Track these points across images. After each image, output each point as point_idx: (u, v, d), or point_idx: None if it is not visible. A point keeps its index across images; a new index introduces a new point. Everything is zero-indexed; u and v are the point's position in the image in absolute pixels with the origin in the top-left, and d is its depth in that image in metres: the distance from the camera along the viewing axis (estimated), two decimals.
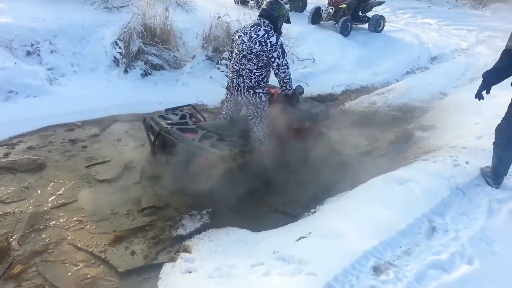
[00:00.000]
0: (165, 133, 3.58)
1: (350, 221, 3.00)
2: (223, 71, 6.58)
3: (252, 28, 3.57)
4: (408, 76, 8.17)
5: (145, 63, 6.20)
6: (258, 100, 3.70)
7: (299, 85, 4.03)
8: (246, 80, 3.63)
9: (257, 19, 3.64)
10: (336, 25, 9.61)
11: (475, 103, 5.97)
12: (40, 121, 4.62)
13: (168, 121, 3.84)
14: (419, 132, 5.11)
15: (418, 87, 7.05)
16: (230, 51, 3.84)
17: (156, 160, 3.84)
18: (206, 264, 2.69)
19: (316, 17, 9.86)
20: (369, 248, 2.64)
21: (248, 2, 9.72)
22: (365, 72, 7.97)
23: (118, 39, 6.21)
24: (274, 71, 3.64)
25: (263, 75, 3.67)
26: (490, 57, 9.45)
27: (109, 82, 5.82)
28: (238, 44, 3.64)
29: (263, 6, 3.68)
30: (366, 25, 10.43)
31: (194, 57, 6.77)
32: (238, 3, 8.80)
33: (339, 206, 3.38)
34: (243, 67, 3.61)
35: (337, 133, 5.21)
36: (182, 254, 2.81)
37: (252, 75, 3.61)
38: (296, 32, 8.21)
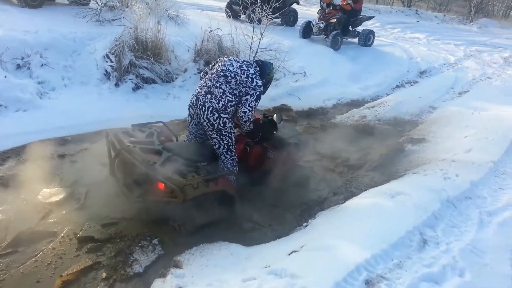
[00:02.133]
0: (125, 152, 3.21)
1: (342, 234, 2.98)
2: None
3: (245, 62, 3.49)
4: (397, 90, 8.29)
5: (137, 76, 6.19)
6: (221, 125, 3.33)
7: (278, 114, 3.94)
8: (213, 100, 3.30)
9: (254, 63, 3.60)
10: (326, 39, 9.75)
11: (463, 116, 6.12)
12: (29, 136, 4.53)
13: (132, 139, 3.45)
14: (410, 145, 5.17)
15: (408, 100, 7.15)
16: (205, 72, 3.72)
17: (111, 182, 3.50)
18: (197, 280, 2.65)
19: (307, 31, 10.01)
20: (361, 261, 2.63)
21: (240, 16, 9.82)
22: (355, 86, 8.07)
23: (110, 52, 6.20)
24: (240, 107, 3.40)
25: (233, 103, 3.37)
26: (478, 71, 9.67)
27: (100, 95, 5.79)
28: (224, 64, 3.44)
29: (257, 59, 3.55)
30: (356, 40, 10.61)
31: (185, 70, 6.79)
32: (229, 17, 8.91)
33: (331, 219, 3.37)
34: (217, 85, 3.34)
35: (328, 146, 5.24)
36: (172, 270, 2.76)
37: (224, 97, 3.31)
38: (287, 46, 8.31)
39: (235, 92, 3.35)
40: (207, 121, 3.34)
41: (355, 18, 10.53)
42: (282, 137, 3.94)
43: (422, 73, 9.40)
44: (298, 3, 11.78)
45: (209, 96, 3.32)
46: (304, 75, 7.83)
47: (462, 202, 3.53)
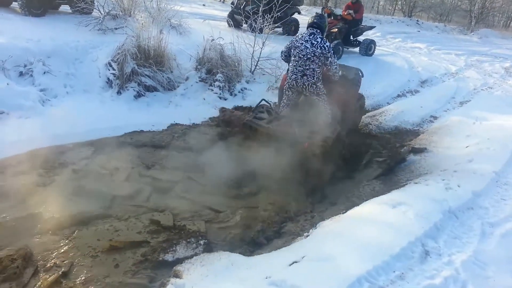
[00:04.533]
0: (271, 132, 4.50)
1: (343, 245, 2.97)
2: (216, 93, 6.62)
3: (311, 37, 4.58)
4: (399, 99, 8.27)
5: (139, 84, 6.21)
6: (318, 90, 4.71)
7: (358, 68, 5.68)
8: (309, 78, 4.62)
9: (311, 29, 4.65)
10: None
11: (465, 126, 6.10)
12: (31, 143, 4.51)
13: (265, 121, 4.71)
14: (411, 155, 5.15)
15: (409, 110, 7.14)
16: (286, 52, 4.90)
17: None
18: None
19: None
20: (362, 273, 2.61)
21: (242, 25, 9.89)
22: None
23: (112, 60, 6.23)
24: (327, 67, 4.67)
25: (321, 72, 4.67)
26: (479, 81, 9.68)
27: (102, 103, 5.80)
28: (302, 50, 4.58)
29: (313, 19, 4.71)
30: (357, 49, 10.66)
31: (187, 78, 6.81)
32: (231, 26, 8.97)
33: (332, 229, 3.35)
34: (307, 67, 4.60)
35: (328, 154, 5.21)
36: (172, 280, 2.74)
37: (315, 73, 4.61)
38: None
39: (319, 64, 4.60)
40: (309, 92, 4.72)
41: (356, 28, 10.59)
42: (347, 76, 5.30)
43: (423, 82, 9.41)
44: (299, 13, 11.86)
45: (305, 77, 4.64)
46: None
47: (464, 212, 3.50)
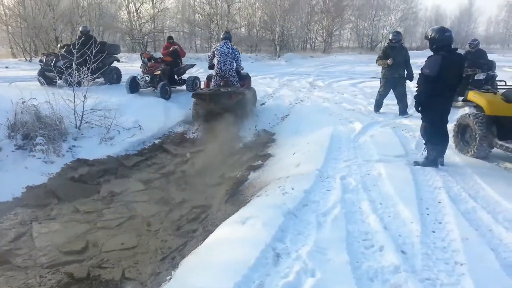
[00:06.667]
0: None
1: (205, 274, 2.99)
2: (40, 158, 5.92)
3: (226, 43, 8.24)
4: None
5: None
6: (233, 74, 8.31)
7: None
8: (228, 66, 8.16)
9: (224, 40, 8.32)
10: (155, 90, 9.92)
11: (288, 137, 6.95)
12: None
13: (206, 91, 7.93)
14: (252, 173, 5.59)
15: None
16: (212, 56, 8.44)
17: None
18: None
19: (134, 85, 9.95)
20: None
21: (56, 82, 9.14)
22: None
23: None
24: (236, 61, 8.36)
25: (233, 63, 8.27)
26: (292, 97, 11.18)
27: None
28: (222, 50, 8.16)
29: (224, 35, 8.49)
30: (184, 87, 11.10)
31: (0, 150, 5.91)
32: (44, 85, 8.26)
33: (192, 263, 3.35)
34: (226, 60, 8.13)
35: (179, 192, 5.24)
36: None
37: (231, 63, 8.20)
38: (116, 103, 8.15)
39: (233, 57, 8.23)
40: (229, 75, 8.22)
41: (178, 68, 11.08)
42: (244, 73, 9.14)
43: None
44: (118, 61, 11.72)
45: (226, 65, 8.13)
46: (140, 128, 7.74)
47: (301, 210, 3.94)
